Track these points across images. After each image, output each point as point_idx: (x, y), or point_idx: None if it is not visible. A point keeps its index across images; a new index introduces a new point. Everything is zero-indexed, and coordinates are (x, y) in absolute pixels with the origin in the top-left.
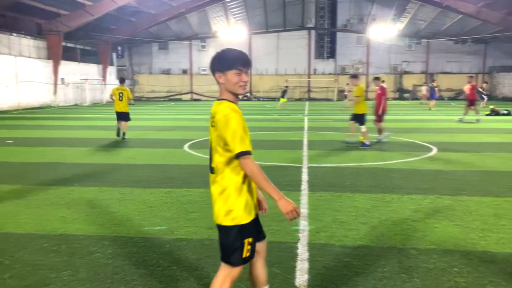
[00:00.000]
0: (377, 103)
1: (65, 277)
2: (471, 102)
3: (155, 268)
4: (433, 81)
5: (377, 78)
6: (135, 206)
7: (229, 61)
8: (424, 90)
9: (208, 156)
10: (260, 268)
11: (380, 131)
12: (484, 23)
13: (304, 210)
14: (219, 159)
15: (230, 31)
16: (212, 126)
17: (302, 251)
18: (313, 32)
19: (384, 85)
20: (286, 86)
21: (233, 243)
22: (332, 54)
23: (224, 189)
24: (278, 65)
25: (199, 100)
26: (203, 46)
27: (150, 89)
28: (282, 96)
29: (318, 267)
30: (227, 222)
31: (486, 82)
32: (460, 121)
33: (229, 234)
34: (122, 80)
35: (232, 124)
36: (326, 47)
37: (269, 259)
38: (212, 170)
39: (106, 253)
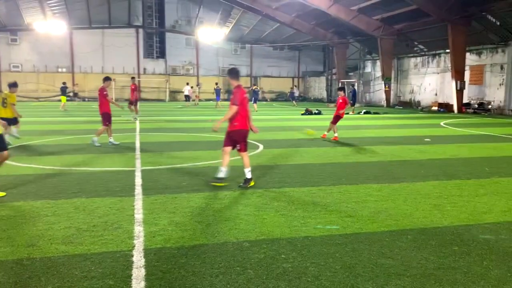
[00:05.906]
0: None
1: None
2: (132, 102)
3: None
4: (216, 83)
5: (63, 85)
6: None
7: None
8: (186, 91)
9: None
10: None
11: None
12: (298, 32)
13: (138, 216)
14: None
15: (47, 25)
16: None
17: (138, 258)
18: (141, 30)
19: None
20: (64, 83)
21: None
22: (162, 54)
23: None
24: (104, 63)
25: None
26: (14, 40)
27: None
28: (63, 95)
29: (155, 272)
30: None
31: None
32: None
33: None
34: None
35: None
36: (155, 46)
37: (102, 271)
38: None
39: None
